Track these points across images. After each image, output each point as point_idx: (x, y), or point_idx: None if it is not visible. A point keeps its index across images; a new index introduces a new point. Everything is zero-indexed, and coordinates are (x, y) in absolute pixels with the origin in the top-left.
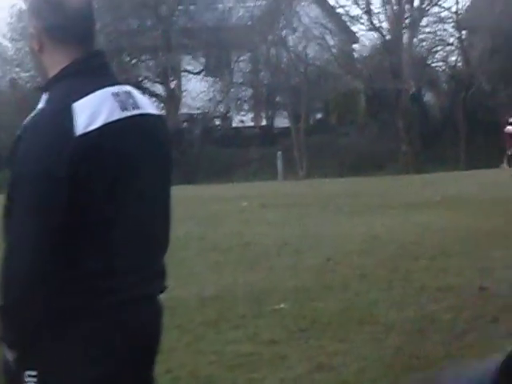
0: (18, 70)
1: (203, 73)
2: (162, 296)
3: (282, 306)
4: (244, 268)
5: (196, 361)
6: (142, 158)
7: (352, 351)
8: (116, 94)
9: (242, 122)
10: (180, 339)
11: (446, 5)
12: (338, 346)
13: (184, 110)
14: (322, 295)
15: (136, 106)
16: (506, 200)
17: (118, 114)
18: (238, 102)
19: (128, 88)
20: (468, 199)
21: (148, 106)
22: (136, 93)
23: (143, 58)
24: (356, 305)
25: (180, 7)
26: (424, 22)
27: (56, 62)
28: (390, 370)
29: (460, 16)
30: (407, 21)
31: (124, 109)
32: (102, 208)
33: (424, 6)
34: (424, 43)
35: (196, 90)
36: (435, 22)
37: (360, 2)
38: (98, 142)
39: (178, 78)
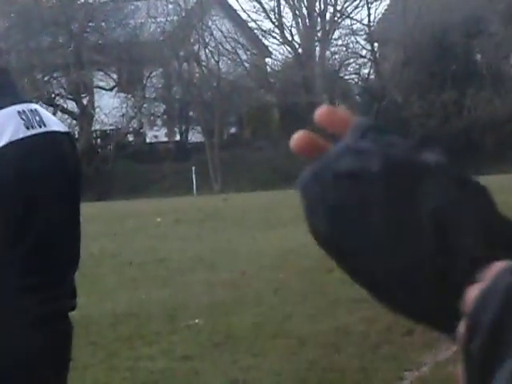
0: None
1: (116, 89)
2: (73, 314)
3: (196, 321)
4: (158, 284)
5: (110, 377)
6: (49, 175)
7: (266, 365)
8: (21, 112)
9: (156, 137)
10: (94, 356)
11: (357, 17)
12: (253, 360)
13: (97, 127)
14: (236, 310)
15: (42, 123)
16: None
17: (23, 132)
18: (151, 118)
19: (34, 106)
20: None
21: (54, 123)
22: (42, 110)
23: (55, 75)
24: (270, 319)
25: (91, 24)
26: (336, 34)
27: None
28: None
29: (372, 28)
30: (319, 34)
31: (29, 127)
32: (9, 225)
33: (336, 18)
34: (336, 56)
35: (109, 106)
36: (347, 35)
37: (272, 16)
38: (3, 160)
39: (91, 95)
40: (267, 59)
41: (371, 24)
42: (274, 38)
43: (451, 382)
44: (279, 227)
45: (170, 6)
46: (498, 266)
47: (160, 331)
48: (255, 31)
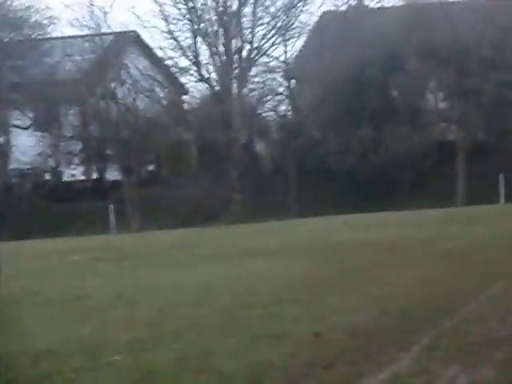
0: None
1: (32, 127)
2: None
3: (116, 357)
4: (78, 321)
5: None
6: None
7: None
8: None
9: (73, 175)
10: None
11: (274, 54)
12: None
13: (14, 165)
14: (156, 346)
15: None
16: (338, 246)
17: None
18: (68, 156)
19: None
20: (301, 246)
21: None
22: None
23: None
24: (191, 354)
25: (8, 62)
26: (253, 71)
27: None
28: None
29: (289, 65)
30: (236, 71)
31: None
32: None
33: (252, 56)
34: (254, 93)
35: (25, 145)
36: (264, 72)
37: (188, 54)
38: None
39: (7, 134)
40: (184, 96)
41: (288, 61)
42: (191, 75)
43: None
44: (199, 264)
45: (87, 44)
46: None
47: (80, 367)
48: (172, 68)
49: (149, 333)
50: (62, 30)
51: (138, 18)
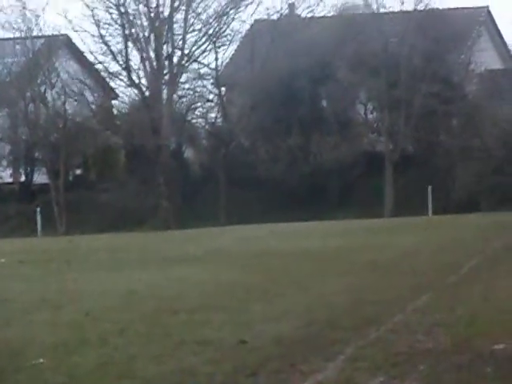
0: None
1: None
2: None
3: (40, 360)
4: (2, 324)
5: None
6: None
7: None
8: None
9: (1, 178)
10: None
11: (205, 61)
12: None
13: None
14: (80, 350)
15: None
16: (265, 254)
17: None
18: None
19: None
20: (228, 254)
21: None
22: None
23: None
24: (115, 359)
25: None
26: (184, 78)
27: None
28: None
29: (219, 73)
30: (166, 77)
31: None
32: None
33: (183, 62)
34: (184, 99)
35: None
36: (194, 79)
37: (119, 59)
38: None
39: None
40: (114, 101)
41: (218, 68)
42: (121, 80)
43: None
44: (125, 269)
45: (17, 47)
46: None
47: (4, 370)
48: (102, 73)
49: (74, 336)
50: None
51: (70, 22)
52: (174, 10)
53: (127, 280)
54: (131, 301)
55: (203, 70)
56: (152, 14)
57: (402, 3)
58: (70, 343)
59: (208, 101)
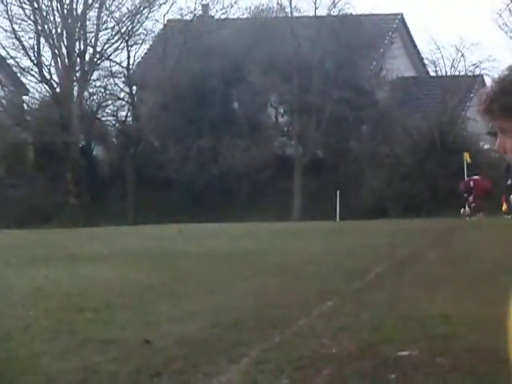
0: None
1: None
2: None
3: None
4: None
5: None
6: None
7: None
8: None
9: None
10: None
11: (117, 59)
12: None
13: None
14: None
15: None
16: (172, 255)
17: None
18: None
19: None
20: (135, 253)
21: None
22: None
23: None
24: (19, 355)
25: None
26: (95, 75)
27: None
28: None
29: (131, 71)
30: (78, 74)
31: None
32: None
33: (95, 59)
34: (95, 97)
35: None
36: (106, 76)
37: (31, 54)
38: None
39: None
40: (24, 97)
41: (130, 67)
42: (33, 75)
43: None
44: (30, 265)
45: None
46: None
47: None
48: (13, 68)
49: None
50: None
51: None
52: (87, 7)
53: (32, 276)
54: (36, 297)
55: (115, 68)
56: (65, 11)
57: (316, 8)
58: None
59: (119, 99)
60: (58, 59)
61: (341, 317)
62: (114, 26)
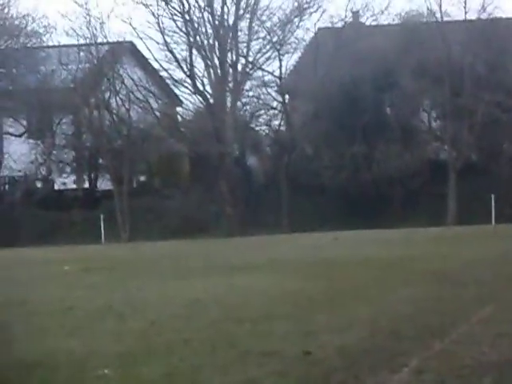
0: None
1: (25, 135)
2: None
3: (105, 371)
4: (66, 333)
5: None
6: None
7: None
8: None
9: (65, 184)
10: None
11: (269, 69)
12: None
13: (5, 173)
14: (146, 360)
15: None
16: (328, 262)
17: None
18: (61, 165)
19: None
20: (292, 262)
21: None
22: None
23: None
24: (180, 370)
25: (2, 70)
26: (247, 85)
27: None
28: None
29: (283, 80)
30: (230, 84)
31: None
32: None
33: (247, 69)
34: (247, 107)
35: (17, 153)
36: (258, 86)
37: (183, 66)
38: None
39: (0, 141)
40: (178, 108)
41: (282, 76)
42: (186, 87)
43: None
44: (189, 276)
45: (82, 54)
46: None
47: (68, 380)
48: (167, 80)
49: (139, 346)
50: (57, 38)
51: (135, 29)
52: (238, 17)
53: (192, 288)
54: (195, 309)
55: (267, 78)
56: (216, 22)
57: (466, 12)
58: (136, 353)
59: (271, 108)
60: (211, 70)
61: (500, 323)
62: (265, 36)
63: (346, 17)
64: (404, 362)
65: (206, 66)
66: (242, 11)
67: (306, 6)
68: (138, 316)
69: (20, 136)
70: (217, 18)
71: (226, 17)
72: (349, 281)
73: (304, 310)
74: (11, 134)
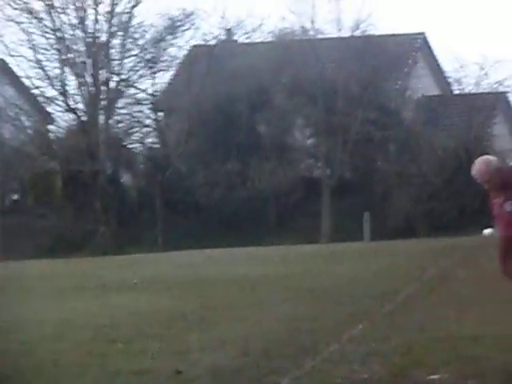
0: None
1: None
2: None
3: None
4: None
5: None
6: None
7: None
8: None
9: None
10: None
11: (142, 86)
12: None
13: None
14: (15, 381)
15: None
16: (202, 281)
17: None
18: None
19: None
20: (165, 281)
21: None
22: None
23: None
24: None
25: None
26: (121, 103)
27: None
28: None
29: (157, 98)
30: (103, 102)
31: None
32: None
33: (120, 87)
34: (121, 124)
35: None
36: (131, 104)
37: (55, 84)
38: None
39: None
40: (50, 126)
41: (156, 93)
42: (58, 105)
43: None
44: (60, 296)
45: None
46: None
47: None
48: (39, 98)
49: (7, 367)
50: None
51: (6, 46)
52: (111, 35)
53: (62, 308)
54: (66, 329)
55: (140, 95)
56: (89, 39)
57: (340, 30)
58: (5, 374)
59: (145, 126)
60: (83, 88)
61: (371, 341)
62: (138, 54)
63: (219, 34)
64: (275, 381)
65: (79, 83)
66: (115, 28)
67: (178, 23)
68: (7, 336)
69: None
70: (89, 35)
71: (98, 34)
72: (222, 299)
73: (176, 329)
74: None
